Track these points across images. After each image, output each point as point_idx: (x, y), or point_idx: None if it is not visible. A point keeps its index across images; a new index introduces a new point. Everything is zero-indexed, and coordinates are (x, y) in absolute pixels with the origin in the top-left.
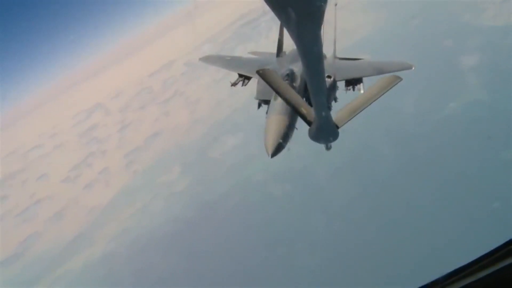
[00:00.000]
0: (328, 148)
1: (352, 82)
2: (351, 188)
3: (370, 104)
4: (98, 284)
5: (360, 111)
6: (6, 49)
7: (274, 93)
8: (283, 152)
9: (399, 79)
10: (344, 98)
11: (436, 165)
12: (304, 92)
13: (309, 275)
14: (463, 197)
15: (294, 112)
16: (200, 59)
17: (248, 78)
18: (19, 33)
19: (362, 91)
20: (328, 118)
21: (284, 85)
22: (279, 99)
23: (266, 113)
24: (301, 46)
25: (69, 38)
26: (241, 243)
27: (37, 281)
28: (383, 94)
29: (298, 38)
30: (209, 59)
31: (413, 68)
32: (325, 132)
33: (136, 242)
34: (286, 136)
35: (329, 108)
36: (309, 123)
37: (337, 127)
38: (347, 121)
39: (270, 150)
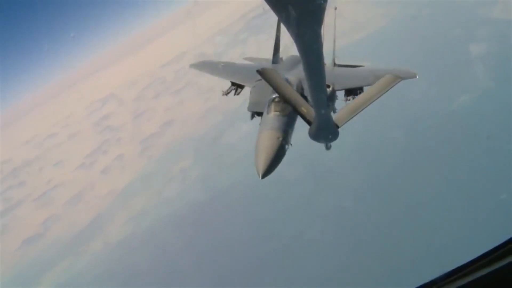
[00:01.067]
0: (328, 147)
1: (352, 92)
2: (360, 177)
3: (370, 104)
4: (117, 264)
5: (360, 111)
6: (21, 40)
7: (267, 105)
8: (295, 145)
9: (398, 79)
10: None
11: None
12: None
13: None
14: (471, 191)
15: (288, 127)
16: (191, 65)
17: (241, 87)
18: (34, 23)
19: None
20: (328, 117)
21: (285, 85)
22: (272, 113)
23: (260, 124)
24: (301, 45)
25: (83, 30)
26: (251, 228)
27: (58, 260)
28: (383, 94)
29: (298, 37)
30: (200, 66)
31: (417, 77)
32: (325, 131)
33: (152, 224)
34: (279, 154)
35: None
36: (309, 122)
37: (337, 127)
38: (347, 121)
39: (261, 170)
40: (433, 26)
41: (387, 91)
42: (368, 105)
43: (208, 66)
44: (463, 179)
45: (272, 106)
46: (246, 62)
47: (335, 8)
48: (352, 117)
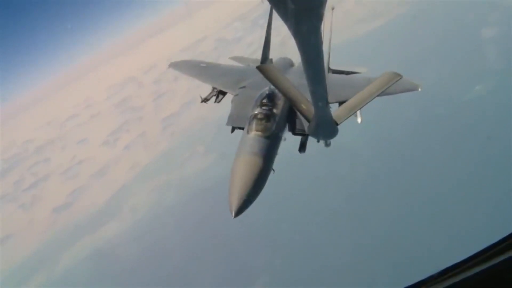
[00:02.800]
0: (327, 144)
1: None
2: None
3: (369, 101)
4: (145, 230)
5: (359, 109)
6: (45, 25)
7: (247, 124)
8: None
9: (399, 76)
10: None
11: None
12: (288, 113)
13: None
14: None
15: (271, 151)
16: (170, 65)
17: (223, 93)
18: (56, 14)
19: (359, 119)
20: (327, 114)
21: (286, 82)
22: (253, 133)
23: (238, 144)
24: (300, 40)
25: (102, 16)
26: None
27: (89, 227)
28: (383, 91)
29: (297, 32)
30: (180, 66)
31: (419, 89)
32: (325, 128)
33: (177, 193)
34: (258, 186)
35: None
36: (308, 119)
37: (337, 124)
38: (346, 118)
39: (234, 208)
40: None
41: (387, 88)
42: (368, 102)
43: (188, 67)
44: (469, 175)
45: (253, 124)
46: (232, 62)
47: (333, 8)
48: (351, 115)
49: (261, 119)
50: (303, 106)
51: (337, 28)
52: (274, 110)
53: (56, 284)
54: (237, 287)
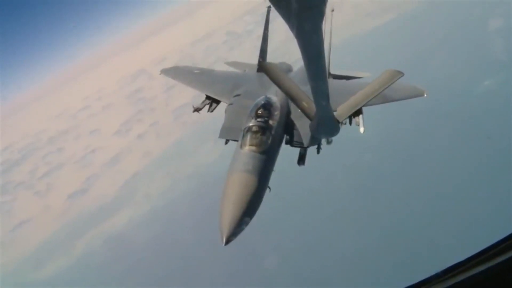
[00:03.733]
0: (329, 142)
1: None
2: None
3: (371, 99)
4: (157, 216)
5: (361, 106)
6: (57, 20)
7: (241, 137)
8: None
9: (400, 74)
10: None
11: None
12: (286, 123)
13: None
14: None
15: (266, 167)
16: (162, 71)
17: (217, 102)
18: (69, 6)
19: (362, 128)
20: (329, 113)
21: (287, 80)
22: (247, 148)
23: (231, 160)
24: (301, 39)
25: (114, 10)
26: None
27: (103, 213)
28: (384, 89)
29: (298, 31)
30: (173, 72)
31: (425, 95)
32: (326, 126)
33: (189, 181)
34: (252, 208)
35: (319, 148)
36: (310, 117)
37: (338, 122)
38: (348, 116)
39: (225, 234)
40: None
41: (388, 86)
42: (369, 100)
43: (181, 73)
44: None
45: (247, 138)
46: (227, 67)
47: (332, 10)
48: (352, 112)
49: (255, 132)
50: (305, 104)
51: (344, 23)
52: (270, 122)
53: (72, 267)
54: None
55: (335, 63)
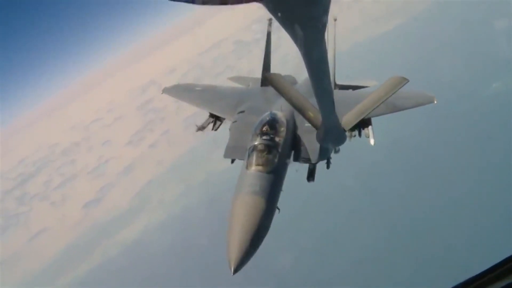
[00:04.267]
0: (336, 151)
1: (358, 125)
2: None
3: (377, 107)
4: (173, 223)
5: (367, 114)
6: (67, 33)
7: (246, 157)
8: None
9: (405, 80)
10: (348, 148)
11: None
12: (292, 138)
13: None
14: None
15: (275, 188)
16: (164, 90)
17: (221, 120)
18: (77, 19)
19: (372, 140)
20: (335, 121)
21: (293, 91)
22: (253, 168)
23: (237, 182)
24: (304, 49)
25: (121, 22)
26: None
27: (120, 219)
28: (390, 96)
29: (300, 41)
30: (175, 91)
31: (435, 102)
32: (333, 135)
33: (204, 185)
34: (260, 233)
35: (328, 163)
36: (316, 127)
37: (345, 130)
38: (354, 124)
39: (234, 262)
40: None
41: (394, 93)
42: (375, 107)
43: (183, 91)
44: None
45: (253, 158)
46: (230, 83)
47: (335, 20)
48: (358, 120)
49: (261, 151)
50: (311, 114)
51: (352, 28)
52: (276, 139)
53: (91, 274)
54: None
55: (341, 71)
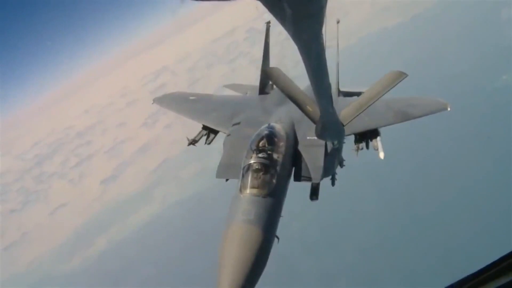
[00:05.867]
0: (335, 145)
1: (365, 136)
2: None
3: (375, 101)
4: (191, 198)
5: (365, 109)
6: (81, 22)
7: (240, 178)
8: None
9: (404, 75)
10: (353, 161)
11: None
12: (293, 157)
13: None
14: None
15: (273, 215)
16: (155, 99)
17: (215, 132)
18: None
19: (381, 154)
20: (333, 116)
21: (292, 85)
22: (247, 192)
23: (229, 208)
24: (300, 45)
25: (134, 11)
26: None
27: (135, 197)
28: (388, 91)
29: (296, 37)
30: (166, 100)
31: (448, 109)
32: (331, 130)
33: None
34: (256, 268)
35: (333, 179)
36: (315, 121)
37: (343, 125)
38: (353, 119)
39: None
40: None
41: (392, 87)
42: (373, 102)
43: (175, 101)
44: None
45: (248, 179)
46: (226, 91)
47: (338, 22)
48: (357, 115)
49: (257, 171)
50: (309, 108)
51: (363, 21)
52: (275, 156)
53: (117, 245)
54: None
55: (352, 64)
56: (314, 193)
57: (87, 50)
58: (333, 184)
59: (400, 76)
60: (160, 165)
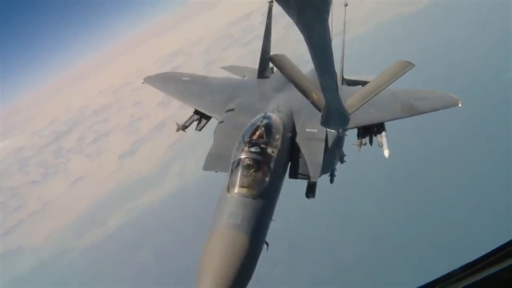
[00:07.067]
0: (339, 133)
1: (369, 131)
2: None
3: (381, 91)
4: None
5: (371, 98)
6: (98, 7)
7: (228, 174)
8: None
9: (411, 65)
10: (354, 157)
11: None
12: (289, 152)
13: None
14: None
15: (263, 218)
16: (145, 79)
17: (207, 118)
18: None
19: (386, 152)
20: (338, 104)
21: (297, 72)
22: (236, 191)
23: (214, 208)
24: (306, 32)
25: None
26: None
27: (154, 170)
28: (394, 81)
29: (302, 25)
30: (158, 80)
31: (459, 105)
32: (335, 118)
33: None
34: (240, 278)
35: (332, 176)
36: (320, 109)
37: (348, 114)
38: (358, 108)
39: None
40: None
41: (398, 77)
42: (379, 91)
43: (167, 81)
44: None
45: (237, 176)
46: (223, 72)
47: (346, 5)
48: (363, 104)
49: (248, 167)
50: (314, 96)
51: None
52: (269, 150)
53: (134, 215)
54: None
55: (360, 54)
56: (311, 191)
57: (102, 32)
58: (331, 181)
59: (407, 66)
60: (176, 141)
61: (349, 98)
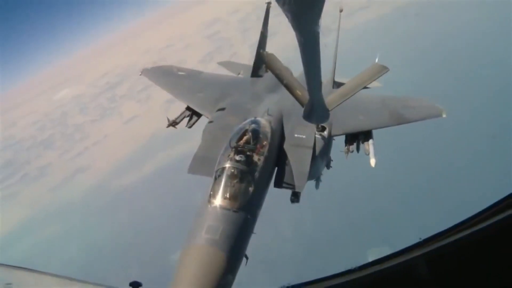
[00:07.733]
0: (319, 129)
1: (356, 138)
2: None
3: (358, 91)
4: None
5: (349, 97)
6: None
7: (211, 183)
8: None
9: (385, 69)
10: (341, 165)
11: None
12: (276, 158)
13: None
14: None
15: (243, 234)
16: (143, 72)
17: (198, 115)
18: None
19: (372, 161)
20: (320, 100)
21: (285, 71)
22: (218, 202)
23: (193, 219)
24: (297, 30)
25: None
26: None
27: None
28: (370, 82)
29: (294, 22)
30: (155, 73)
31: (444, 116)
32: (317, 113)
33: None
34: None
35: (318, 181)
36: (303, 105)
37: (328, 110)
38: (337, 106)
39: None
40: None
41: (374, 80)
42: (356, 92)
43: (163, 75)
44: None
45: (220, 186)
46: (219, 70)
47: (341, 10)
48: (341, 102)
49: (232, 177)
50: (298, 92)
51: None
52: (255, 158)
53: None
54: None
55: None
56: (295, 195)
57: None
58: (317, 186)
59: (382, 70)
60: None
61: (329, 96)
